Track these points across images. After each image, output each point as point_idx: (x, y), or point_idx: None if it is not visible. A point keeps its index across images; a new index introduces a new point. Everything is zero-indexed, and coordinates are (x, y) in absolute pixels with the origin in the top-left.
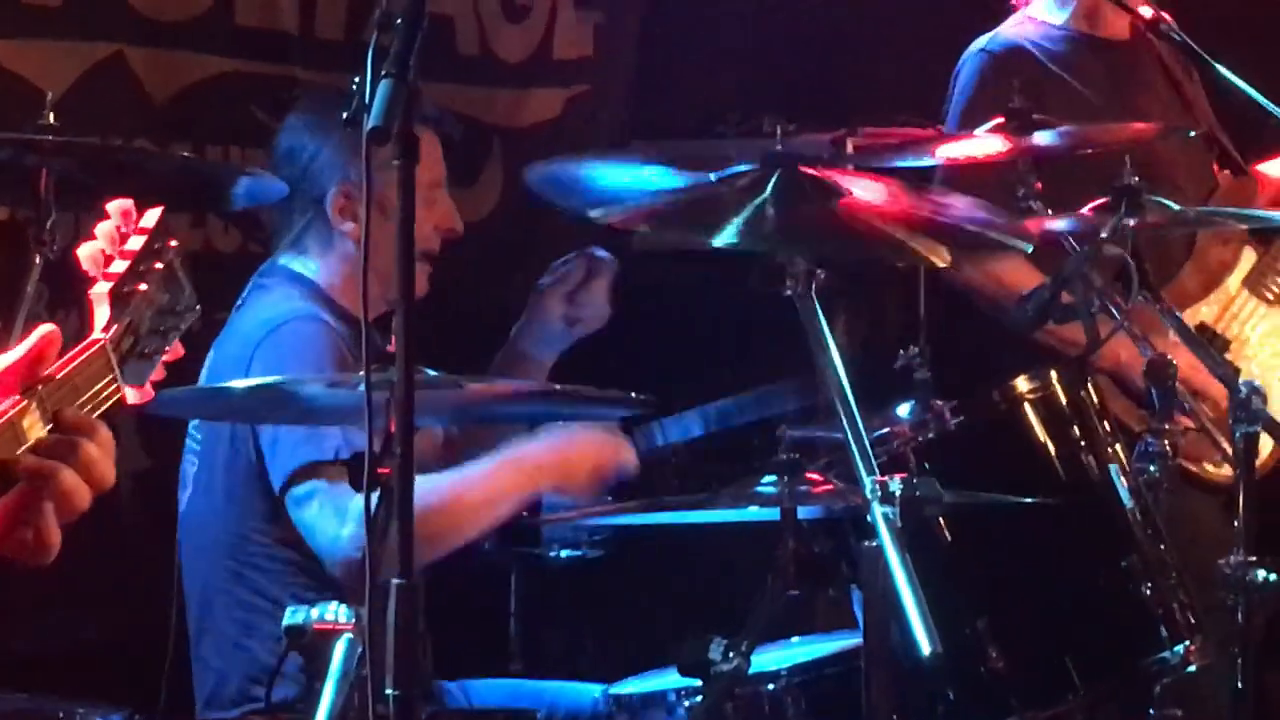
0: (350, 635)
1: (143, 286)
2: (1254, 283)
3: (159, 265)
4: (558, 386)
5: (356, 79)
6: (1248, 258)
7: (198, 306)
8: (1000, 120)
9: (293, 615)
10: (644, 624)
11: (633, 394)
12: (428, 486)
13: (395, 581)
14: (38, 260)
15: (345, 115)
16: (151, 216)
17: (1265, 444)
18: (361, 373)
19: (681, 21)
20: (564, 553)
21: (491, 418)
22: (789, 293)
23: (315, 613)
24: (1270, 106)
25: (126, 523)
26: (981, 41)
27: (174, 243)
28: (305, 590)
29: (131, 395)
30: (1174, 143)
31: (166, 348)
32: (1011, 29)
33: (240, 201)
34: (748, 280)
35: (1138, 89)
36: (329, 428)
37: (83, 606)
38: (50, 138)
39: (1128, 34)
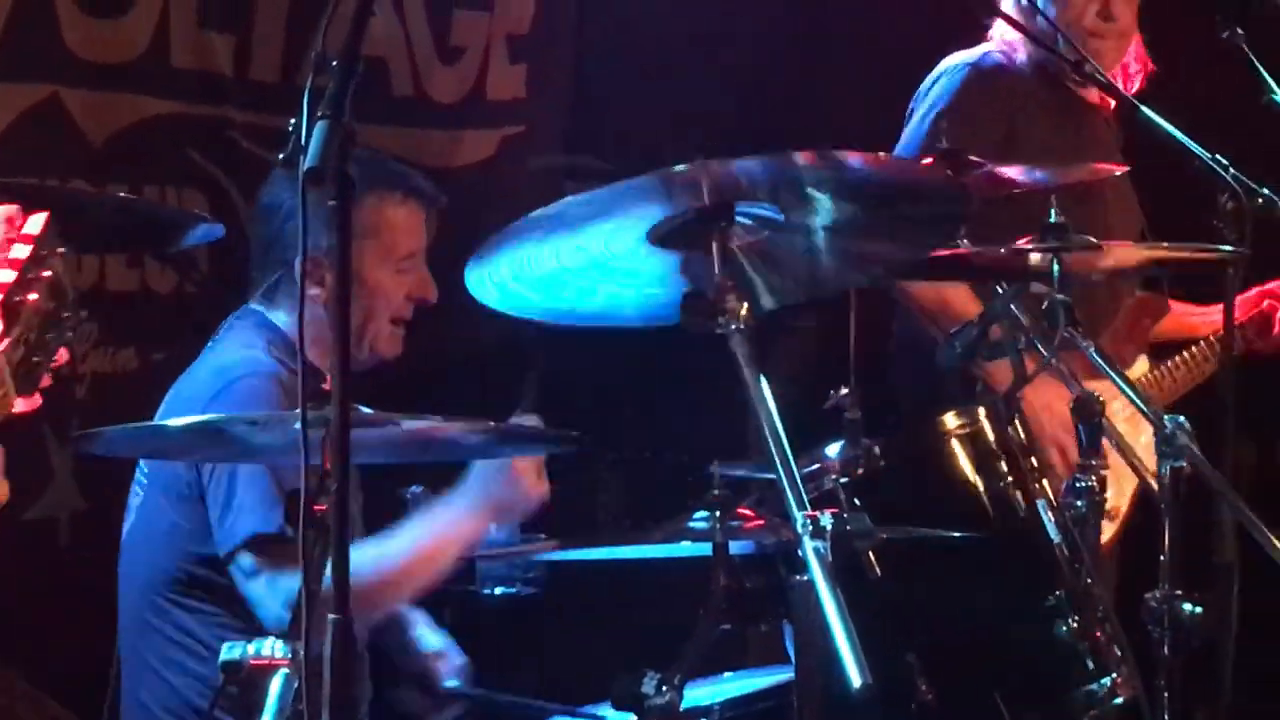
0: (286, 670)
1: (32, 296)
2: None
3: (46, 274)
4: (492, 424)
5: (293, 121)
6: (1141, 365)
7: (83, 313)
8: (931, 160)
9: (229, 650)
10: (578, 659)
11: (567, 431)
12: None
13: (331, 617)
14: None
15: (282, 156)
16: (36, 222)
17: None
18: (298, 411)
19: (615, 60)
20: (498, 589)
21: (429, 456)
22: (720, 331)
23: (252, 648)
24: (1193, 146)
25: (64, 562)
26: (964, 57)
27: (61, 250)
28: (235, 635)
29: (20, 404)
30: (1108, 194)
31: (53, 356)
32: (994, 53)
33: (177, 242)
34: (680, 318)
35: (1088, 132)
36: (276, 496)
37: (19, 646)
38: None
39: (1093, 96)
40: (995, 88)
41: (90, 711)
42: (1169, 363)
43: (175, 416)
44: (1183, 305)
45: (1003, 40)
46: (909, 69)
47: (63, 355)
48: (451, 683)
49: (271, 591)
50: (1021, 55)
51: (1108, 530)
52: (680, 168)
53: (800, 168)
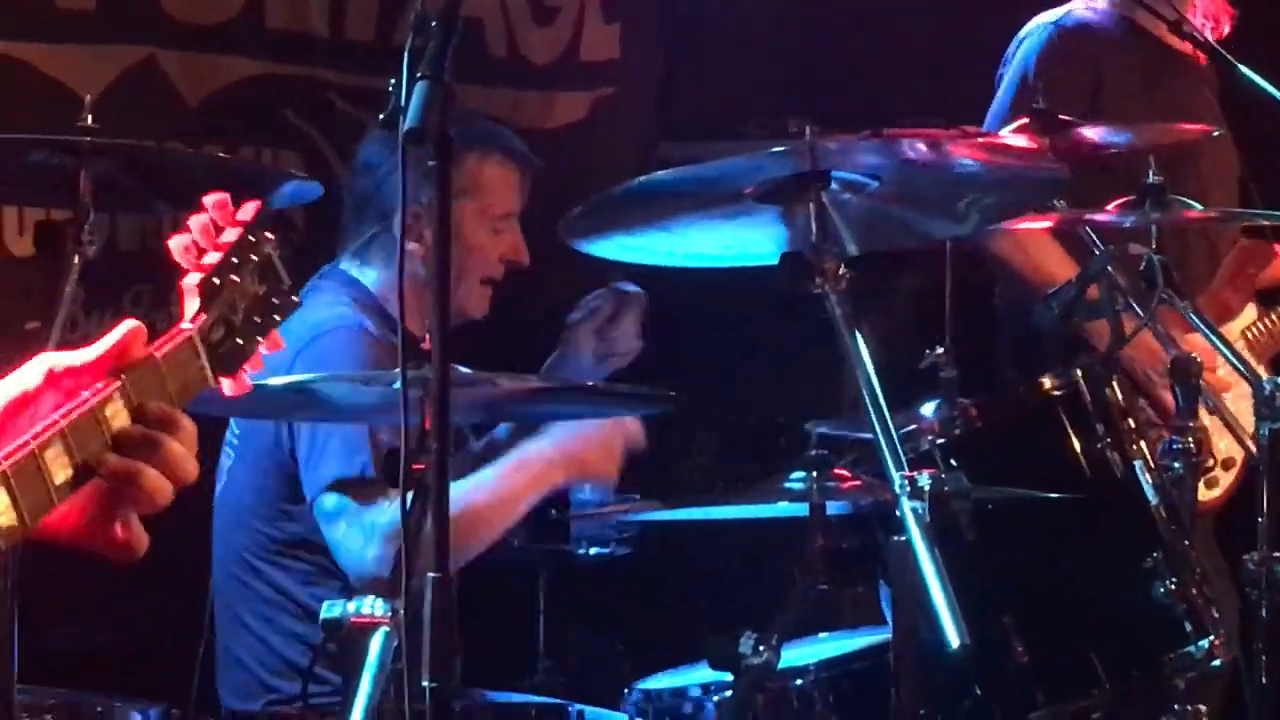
0: (386, 628)
1: (235, 279)
2: (1251, 339)
3: (254, 258)
4: (589, 383)
5: (392, 81)
6: (1249, 313)
7: (296, 298)
8: (1025, 120)
9: (329, 609)
10: (672, 620)
11: (664, 391)
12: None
13: (431, 575)
14: (76, 260)
15: (381, 116)
16: (249, 210)
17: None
18: (395, 371)
19: (707, 24)
20: (592, 550)
21: (524, 416)
22: (818, 291)
23: (352, 606)
24: None
25: (160, 520)
26: (1049, 17)
27: (270, 235)
28: (327, 593)
29: (227, 386)
30: (1204, 147)
31: (262, 339)
32: (1078, 9)
33: (274, 203)
34: (776, 279)
35: (1180, 86)
36: (363, 442)
37: (117, 604)
38: (89, 139)
39: (1182, 45)
40: (1080, 47)
41: (185, 666)
42: (1274, 314)
43: (262, 374)
44: None
45: None
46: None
47: (275, 340)
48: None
49: (351, 533)
50: (1103, 5)
51: (1224, 481)
52: (782, 147)
53: (898, 147)
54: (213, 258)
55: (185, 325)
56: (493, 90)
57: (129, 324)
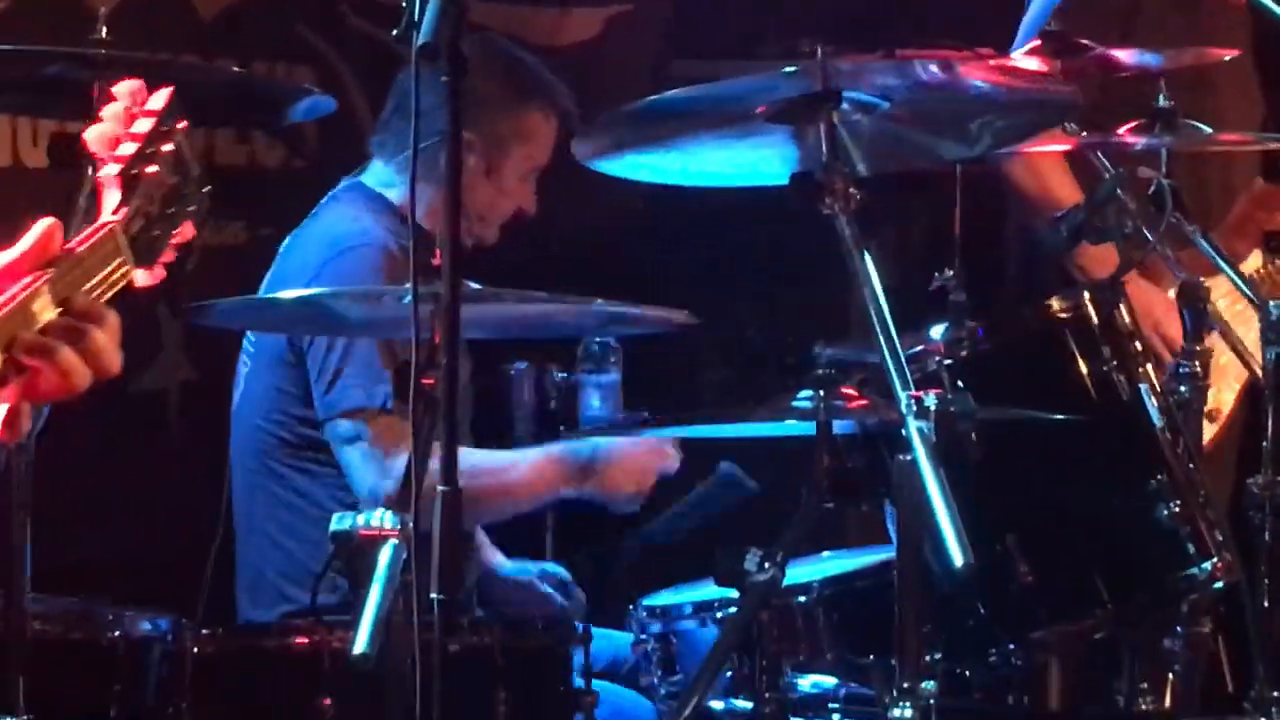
0: (396, 541)
1: (151, 169)
2: (1254, 282)
3: (167, 147)
4: (600, 301)
5: None
6: (1254, 259)
7: (207, 188)
8: (1037, 42)
9: (339, 521)
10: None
11: (674, 309)
12: (470, 461)
13: (441, 488)
14: (90, 173)
15: (395, 32)
16: (160, 97)
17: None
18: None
19: None
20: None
21: (535, 333)
22: (827, 211)
23: (361, 519)
24: None
25: (174, 432)
26: None
27: (183, 124)
28: (349, 494)
29: (141, 277)
30: (1226, 75)
31: (176, 229)
32: None
33: (289, 118)
34: (785, 200)
35: (1213, 9)
36: (381, 370)
37: (130, 514)
38: (103, 52)
39: None
40: None
41: (199, 576)
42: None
43: (283, 287)
44: None
45: None
46: None
47: (187, 230)
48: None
49: (368, 463)
50: None
51: (1208, 431)
52: (793, 68)
53: (910, 68)
54: (129, 148)
55: (107, 218)
56: (506, 6)
57: (45, 221)
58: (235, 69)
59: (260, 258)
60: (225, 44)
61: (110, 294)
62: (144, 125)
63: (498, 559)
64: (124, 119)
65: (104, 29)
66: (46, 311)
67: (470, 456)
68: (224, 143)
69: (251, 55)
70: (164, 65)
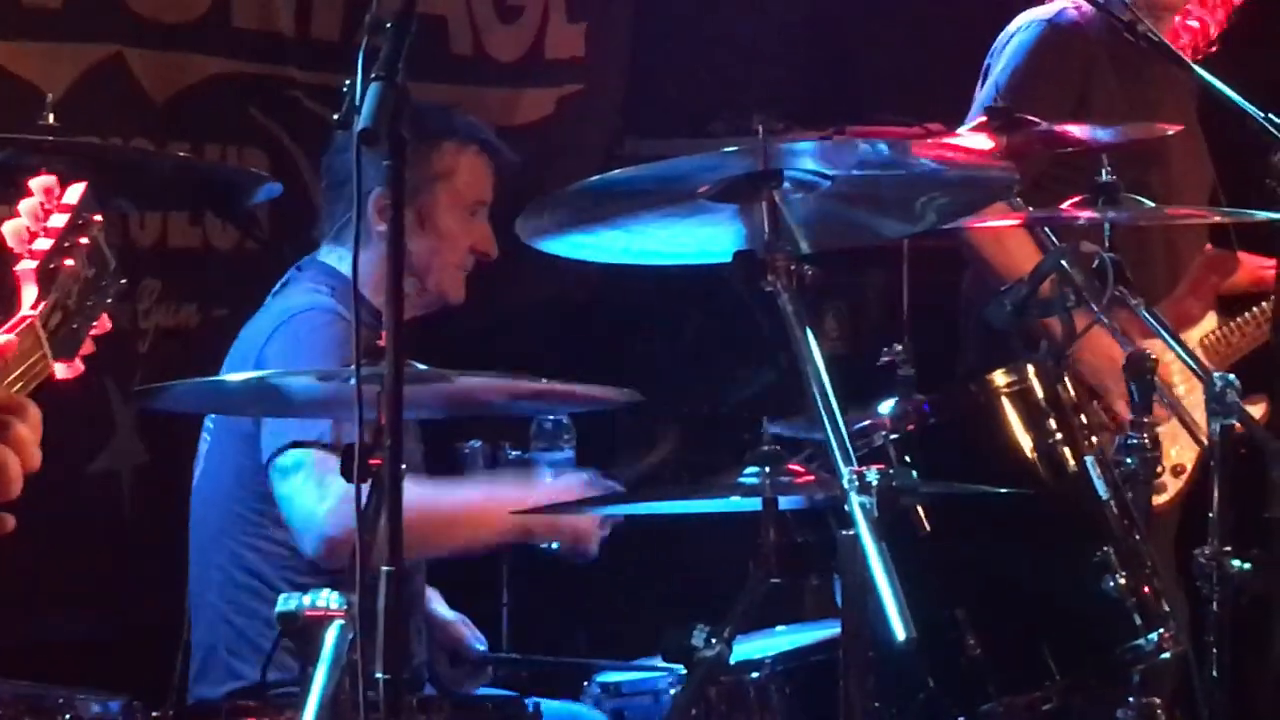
0: (342, 621)
1: (69, 262)
2: (1208, 346)
3: (84, 240)
4: (545, 382)
5: (347, 82)
6: (1208, 322)
7: (123, 280)
8: (983, 119)
9: (285, 602)
10: (632, 612)
11: (619, 389)
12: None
13: (385, 569)
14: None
15: (335, 118)
16: (74, 192)
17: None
18: (351, 366)
19: (676, 23)
20: (554, 544)
21: (481, 412)
22: (769, 289)
23: (308, 599)
24: (1244, 104)
25: (127, 516)
26: (1041, 14)
27: (98, 218)
28: (299, 575)
29: (60, 370)
30: (1176, 148)
31: (94, 322)
32: (1070, 9)
33: (239, 201)
34: (729, 277)
35: (1162, 88)
36: (319, 419)
37: (84, 599)
38: (50, 138)
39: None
40: (1071, 45)
41: (157, 662)
42: (1237, 320)
43: (236, 365)
44: (1255, 258)
45: None
46: (975, 26)
47: (104, 323)
48: (480, 646)
49: (307, 487)
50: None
51: (1172, 487)
52: (734, 147)
53: (851, 147)
54: (45, 243)
55: (27, 312)
56: (457, 88)
57: None
58: (185, 153)
59: (214, 340)
60: (177, 128)
61: (30, 387)
62: (59, 220)
63: (434, 600)
64: (39, 214)
65: (51, 115)
66: None
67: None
68: (177, 225)
69: (203, 139)
70: (113, 150)
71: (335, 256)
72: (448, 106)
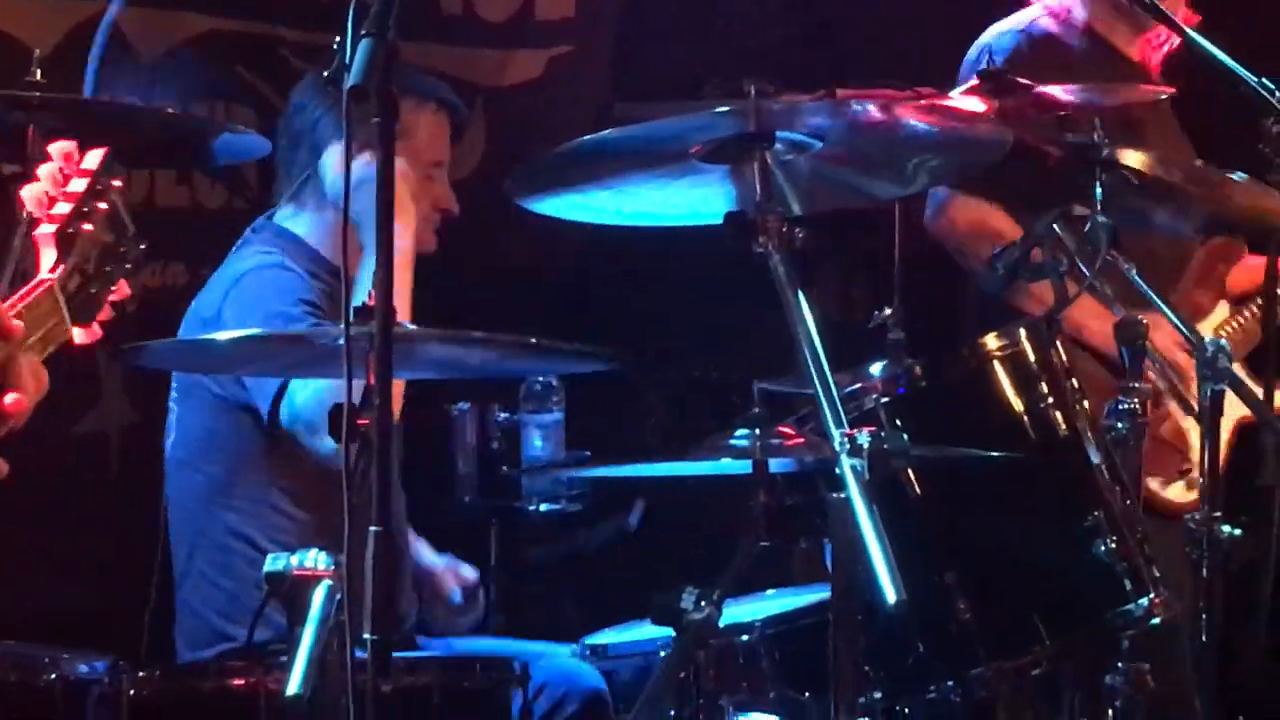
0: (329, 581)
1: (87, 227)
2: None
3: (103, 206)
4: (533, 340)
5: (338, 38)
6: (1220, 312)
7: (143, 246)
8: (976, 83)
9: (273, 562)
10: (621, 576)
11: (606, 349)
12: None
13: (373, 529)
14: (25, 215)
15: (325, 74)
16: (94, 157)
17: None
18: (341, 325)
19: None
20: (543, 506)
21: (470, 372)
22: (760, 250)
23: (295, 559)
24: (1239, 70)
25: (114, 474)
26: (1014, 24)
27: (117, 183)
28: (282, 534)
29: (79, 335)
30: (1152, 131)
31: (112, 287)
32: (1043, 19)
33: (224, 158)
34: (721, 238)
35: (1141, 105)
36: None
37: (71, 560)
38: (37, 94)
39: (1138, 55)
40: (1044, 58)
41: (144, 624)
42: (1247, 312)
43: (190, 330)
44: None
45: (1057, 2)
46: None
47: (123, 288)
48: (470, 577)
49: (311, 407)
50: (1080, 13)
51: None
52: (727, 108)
53: (844, 108)
54: (64, 208)
55: (45, 276)
56: (447, 48)
57: None
58: (173, 110)
59: None
60: (166, 85)
61: (48, 350)
62: (79, 185)
63: (420, 547)
64: (59, 179)
65: (39, 71)
66: None
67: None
68: (165, 184)
69: (192, 96)
70: (100, 106)
71: (291, 219)
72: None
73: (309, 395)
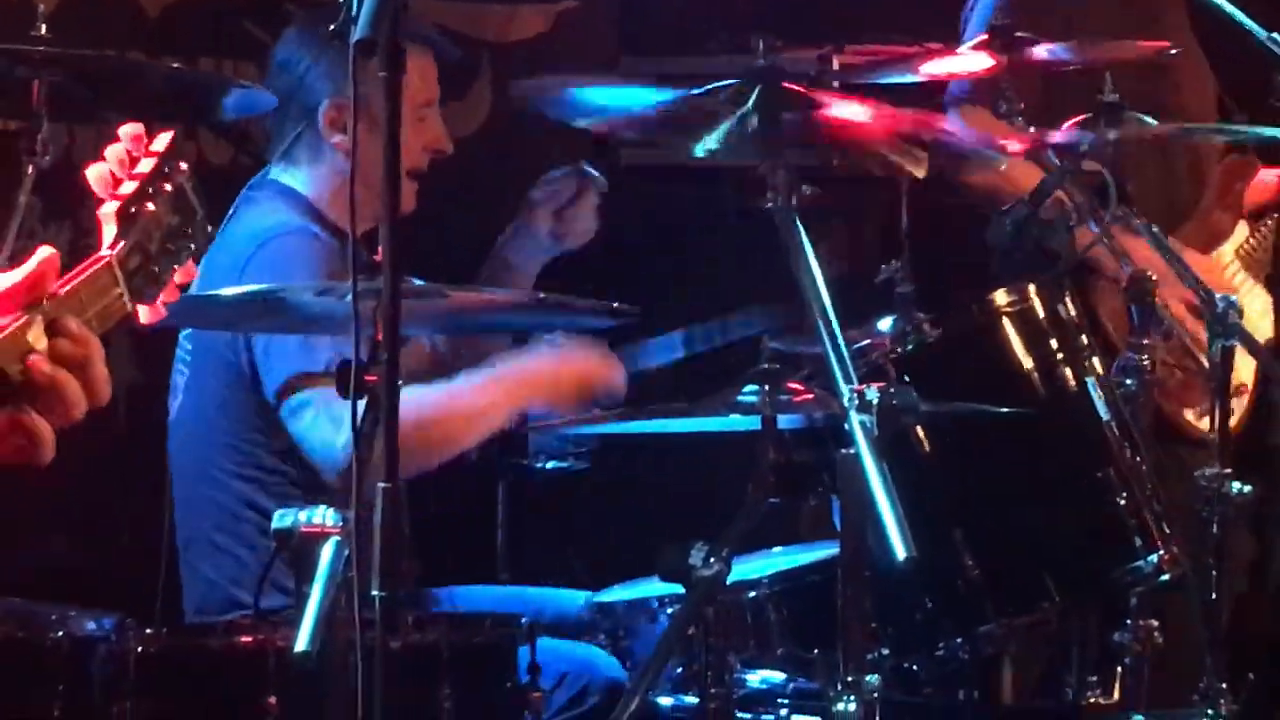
0: (337, 538)
1: (151, 207)
2: (1245, 256)
3: (168, 187)
4: (543, 295)
5: None
6: (1240, 231)
7: (210, 229)
8: (984, 37)
9: (281, 519)
10: (628, 533)
11: (616, 304)
12: (418, 397)
13: (381, 485)
14: (30, 171)
15: (332, 27)
16: (163, 140)
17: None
18: (349, 282)
19: None
20: (550, 463)
21: (477, 327)
22: (769, 205)
23: (303, 516)
24: (1247, 22)
25: (119, 435)
26: None
27: (184, 165)
28: (296, 502)
29: (143, 314)
30: (1179, 64)
31: (177, 267)
32: None
33: (231, 113)
34: (729, 193)
35: (1149, 9)
36: (321, 339)
37: (76, 519)
38: (42, 49)
39: None
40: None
41: (144, 579)
42: (1264, 228)
43: (210, 287)
44: (1271, 168)
45: None
46: None
47: (190, 269)
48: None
49: (320, 423)
50: None
51: (1238, 408)
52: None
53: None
54: (129, 187)
55: (104, 252)
56: (452, 3)
57: (44, 251)
58: (175, 65)
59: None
60: (170, 41)
61: (107, 325)
62: (146, 165)
63: None
64: (126, 160)
65: (44, 26)
66: (40, 343)
67: (412, 391)
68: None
69: (197, 52)
70: (106, 61)
71: (288, 176)
72: None
73: (318, 441)
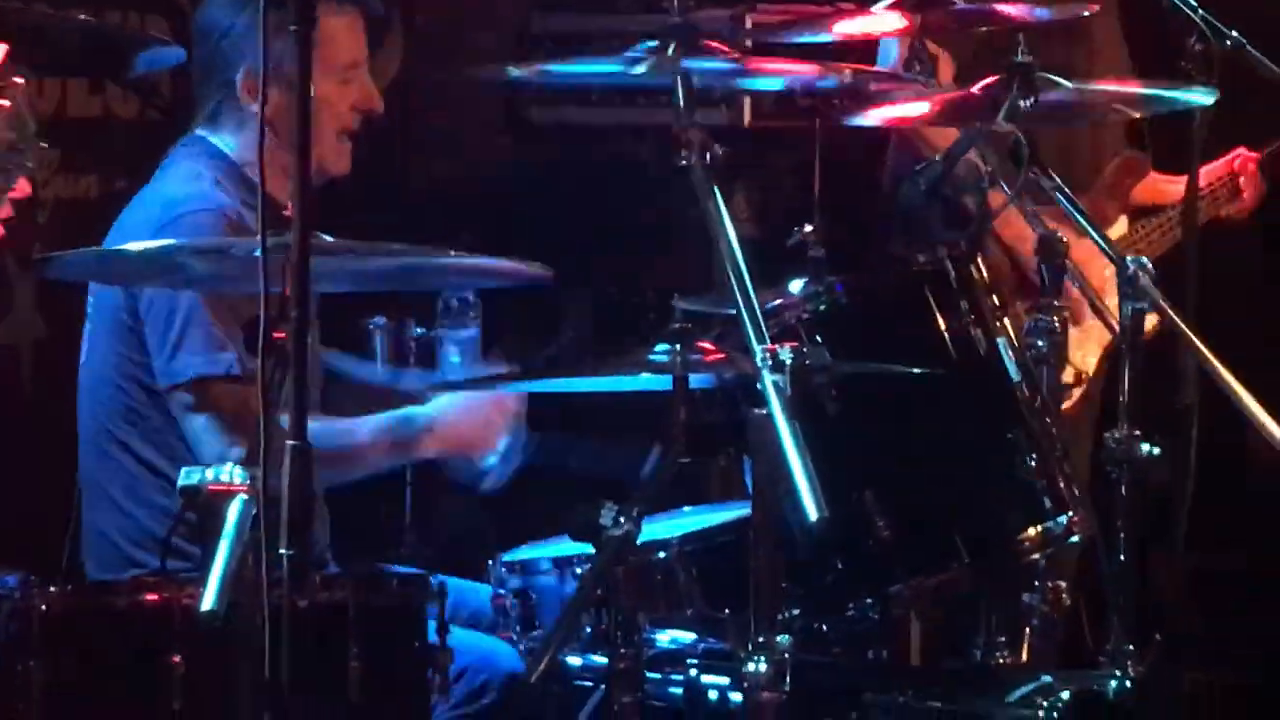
0: (245, 496)
1: None
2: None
3: (4, 104)
4: (451, 252)
5: None
6: (1121, 225)
7: (44, 144)
8: None
9: (187, 476)
10: (537, 493)
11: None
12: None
13: (290, 443)
14: None
15: None
16: None
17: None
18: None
19: None
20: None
21: (392, 286)
22: (684, 163)
23: (210, 474)
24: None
25: (27, 390)
26: None
27: (19, 80)
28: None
29: None
30: (1097, 32)
31: (12, 185)
32: None
33: (142, 68)
34: (642, 151)
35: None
36: (230, 338)
37: None
38: None
39: None
40: None
41: (55, 540)
42: (1149, 222)
43: (122, 243)
44: (1158, 174)
45: None
46: None
47: (23, 186)
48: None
49: (210, 433)
50: None
51: (1072, 395)
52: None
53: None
54: None
55: None
56: None
57: None
58: (85, 17)
59: (114, 210)
60: None
61: None
62: None
63: None
64: None
65: None
66: None
67: (311, 424)
68: (77, 94)
69: (104, 4)
70: (12, 13)
71: (215, 138)
72: None
73: (209, 452)
